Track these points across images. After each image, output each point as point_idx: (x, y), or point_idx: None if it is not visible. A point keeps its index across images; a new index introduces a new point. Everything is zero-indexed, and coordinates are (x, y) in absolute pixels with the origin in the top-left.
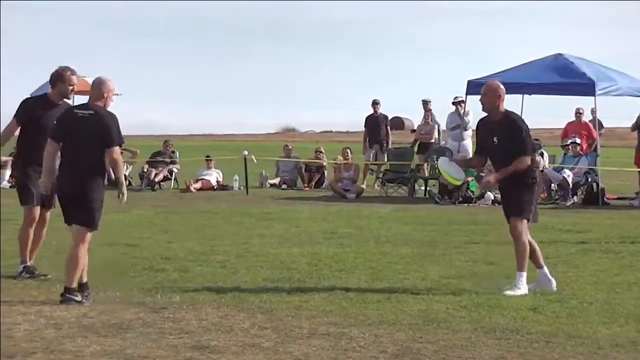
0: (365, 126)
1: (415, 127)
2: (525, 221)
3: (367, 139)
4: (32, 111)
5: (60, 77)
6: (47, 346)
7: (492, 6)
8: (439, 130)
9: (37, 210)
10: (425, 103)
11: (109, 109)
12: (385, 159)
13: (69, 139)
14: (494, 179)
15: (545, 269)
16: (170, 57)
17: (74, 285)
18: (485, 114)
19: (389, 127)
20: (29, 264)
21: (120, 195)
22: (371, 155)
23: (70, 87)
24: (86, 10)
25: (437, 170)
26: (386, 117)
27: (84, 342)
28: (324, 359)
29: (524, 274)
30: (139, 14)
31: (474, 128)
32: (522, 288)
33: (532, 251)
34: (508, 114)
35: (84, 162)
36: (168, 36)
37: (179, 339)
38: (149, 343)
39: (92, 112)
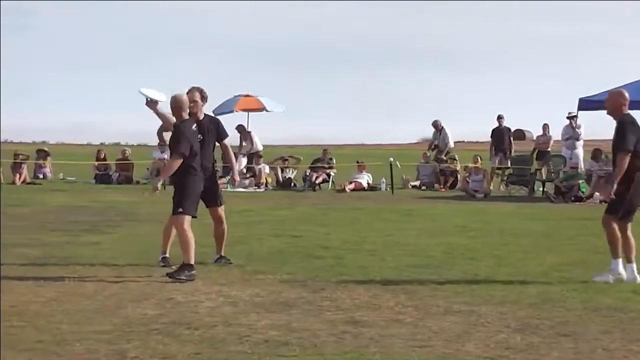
0: (491, 137)
1: (534, 138)
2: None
3: (493, 148)
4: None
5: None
6: (225, 320)
7: (604, 35)
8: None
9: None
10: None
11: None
12: (508, 164)
13: (193, 149)
14: (607, 193)
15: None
16: (331, 81)
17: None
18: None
19: (511, 138)
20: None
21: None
22: (496, 161)
23: (191, 104)
24: (266, 43)
25: (552, 174)
26: (509, 129)
27: (256, 317)
28: (456, 332)
29: (618, 260)
30: (305, 46)
31: (585, 139)
32: (613, 274)
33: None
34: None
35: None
36: (331, 65)
37: (335, 315)
38: (310, 318)
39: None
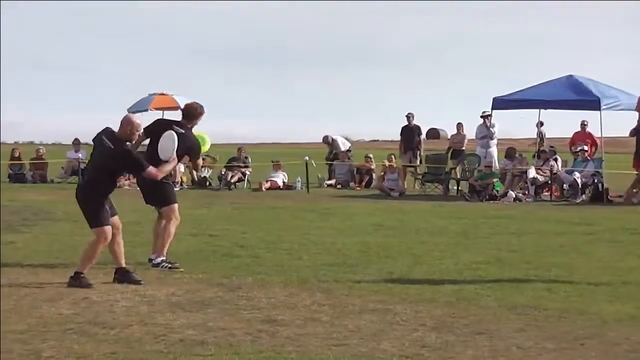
0: (401, 135)
1: (449, 137)
2: None
3: (403, 146)
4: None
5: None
6: (141, 320)
7: (514, 34)
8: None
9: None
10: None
11: None
12: (418, 163)
13: None
14: None
15: None
16: (246, 79)
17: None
18: None
19: (420, 136)
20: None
21: None
22: (407, 159)
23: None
24: (178, 39)
25: (466, 173)
26: (419, 127)
27: (172, 316)
28: (373, 330)
29: None
30: (223, 44)
31: (499, 138)
32: None
33: None
34: None
35: None
36: (247, 62)
37: (251, 314)
38: (227, 317)
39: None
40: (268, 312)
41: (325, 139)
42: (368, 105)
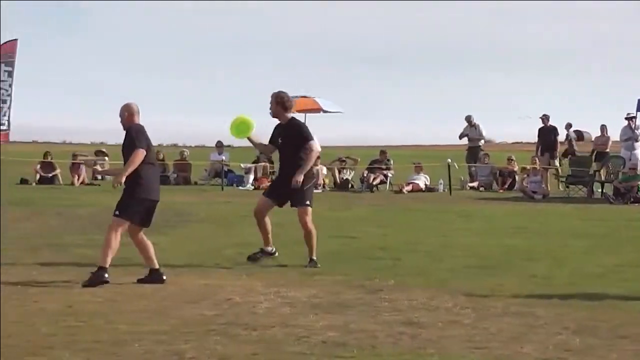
0: (538, 136)
1: (593, 139)
2: None
3: (539, 147)
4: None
5: None
6: (283, 321)
7: None
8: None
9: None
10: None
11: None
12: (557, 164)
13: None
14: None
15: None
16: (389, 82)
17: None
18: None
19: (557, 137)
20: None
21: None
22: (544, 161)
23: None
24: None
25: (611, 175)
26: (555, 128)
27: (313, 318)
28: (514, 333)
29: None
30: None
31: None
32: None
33: None
34: None
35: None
36: (386, 66)
37: (392, 316)
38: (367, 319)
39: None
40: (409, 314)
41: (468, 118)
42: (508, 107)
